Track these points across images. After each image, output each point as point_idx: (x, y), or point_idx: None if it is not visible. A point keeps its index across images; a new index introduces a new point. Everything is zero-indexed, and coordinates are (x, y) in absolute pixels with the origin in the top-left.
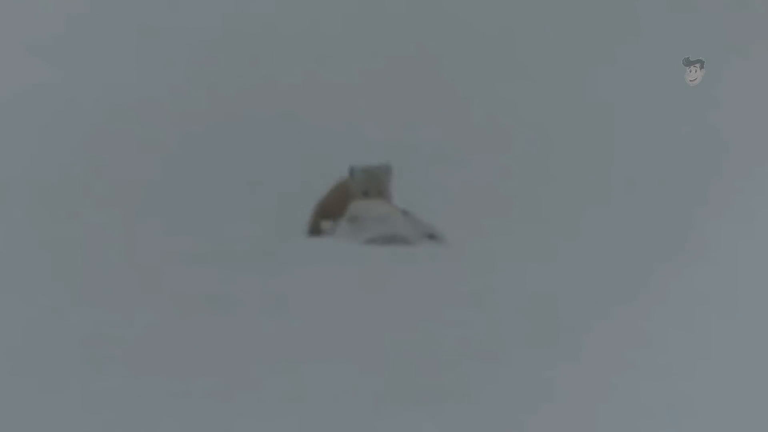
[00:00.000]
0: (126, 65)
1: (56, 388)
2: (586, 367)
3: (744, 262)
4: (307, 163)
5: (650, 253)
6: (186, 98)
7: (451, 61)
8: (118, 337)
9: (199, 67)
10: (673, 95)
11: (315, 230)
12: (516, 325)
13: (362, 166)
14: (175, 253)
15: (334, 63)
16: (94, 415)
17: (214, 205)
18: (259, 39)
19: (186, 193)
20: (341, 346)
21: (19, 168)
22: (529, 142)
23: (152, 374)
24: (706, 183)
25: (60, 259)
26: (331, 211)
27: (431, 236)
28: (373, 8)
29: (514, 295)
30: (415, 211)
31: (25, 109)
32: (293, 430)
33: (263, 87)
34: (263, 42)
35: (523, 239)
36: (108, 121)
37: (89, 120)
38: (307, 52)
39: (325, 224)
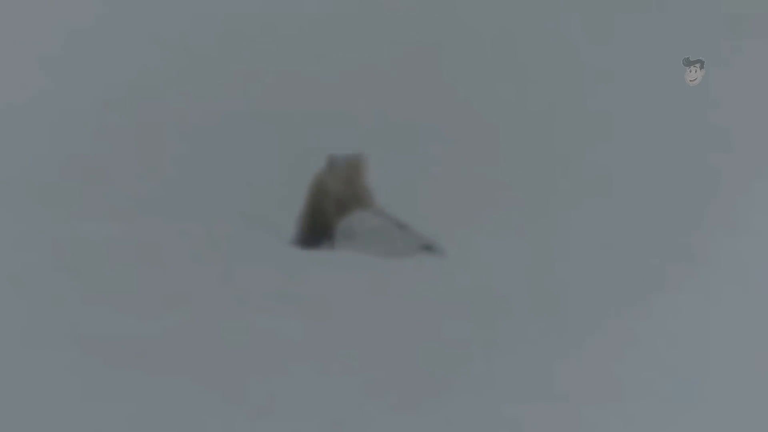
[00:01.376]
0: (123, 66)
1: (60, 388)
2: (588, 367)
3: (747, 260)
4: (304, 163)
5: (652, 250)
6: (185, 97)
7: (449, 59)
8: (118, 336)
9: (198, 66)
10: (673, 93)
11: (307, 241)
12: (516, 326)
13: (339, 155)
14: (172, 252)
15: (333, 62)
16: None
17: (210, 205)
18: (259, 38)
19: (184, 193)
20: (341, 349)
21: (17, 168)
22: (529, 142)
23: (153, 374)
24: (705, 179)
25: (61, 258)
26: (319, 217)
27: (428, 248)
28: (370, 7)
29: (512, 296)
30: (407, 211)
31: (24, 112)
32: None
33: (263, 86)
34: (264, 42)
35: (519, 237)
36: (105, 121)
37: (84, 120)
38: (307, 51)
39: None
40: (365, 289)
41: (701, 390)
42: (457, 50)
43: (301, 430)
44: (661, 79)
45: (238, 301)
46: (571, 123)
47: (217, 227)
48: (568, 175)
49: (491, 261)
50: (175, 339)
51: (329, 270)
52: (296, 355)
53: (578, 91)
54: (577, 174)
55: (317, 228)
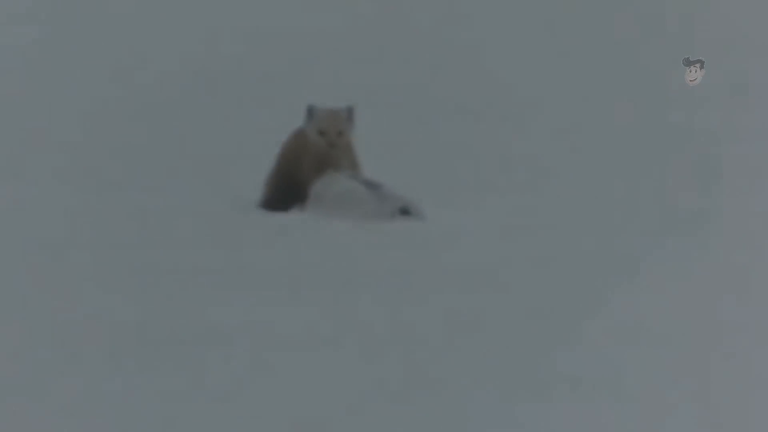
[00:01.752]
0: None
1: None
2: (585, 353)
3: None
4: None
5: (647, 228)
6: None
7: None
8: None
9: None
10: (673, 93)
11: (275, 202)
12: (506, 308)
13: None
14: (149, 234)
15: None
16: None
17: (191, 184)
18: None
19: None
20: (327, 336)
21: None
22: (524, 120)
23: (138, 359)
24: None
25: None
26: (295, 175)
27: (405, 211)
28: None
29: (502, 276)
30: (396, 176)
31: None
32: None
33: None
34: (260, 35)
35: (511, 213)
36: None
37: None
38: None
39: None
40: (343, 270)
41: (706, 368)
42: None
43: (293, 423)
44: (660, 77)
45: (224, 288)
46: (567, 101)
47: (207, 214)
48: (563, 153)
49: (479, 237)
50: (157, 326)
51: (309, 250)
52: (283, 345)
53: (573, 72)
54: (571, 152)
55: (290, 188)
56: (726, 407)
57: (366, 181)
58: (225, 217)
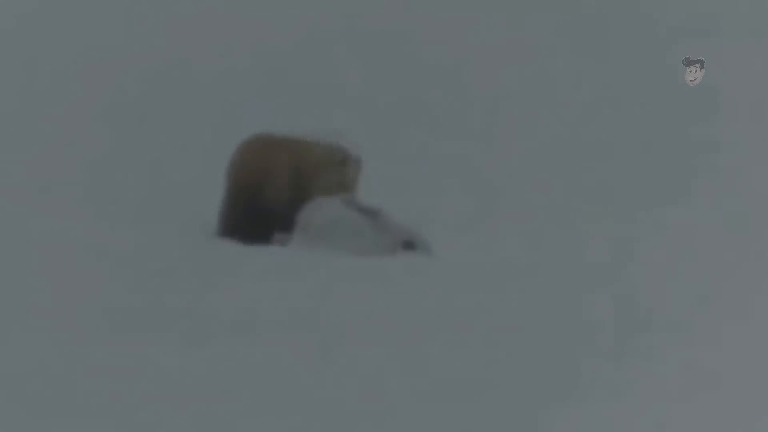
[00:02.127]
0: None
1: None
2: (607, 404)
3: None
4: None
5: (659, 268)
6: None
7: (453, 57)
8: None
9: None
10: (673, 94)
11: (236, 228)
12: (527, 362)
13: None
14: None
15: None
16: None
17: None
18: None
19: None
20: (317, 394)
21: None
22: (527, 139)
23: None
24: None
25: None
26: (255, 192)
27: (408, 245)
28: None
29: (522, 322)
30: (394, 206)
31: None
32: None
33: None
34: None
35: (521, 249)
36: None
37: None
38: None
39: (279, 237)
40: (339, 311)
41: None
42: (462, 47)
43: None
44: (660, 79)
45: (186, 338)
46: (574, 128)
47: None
48: (585, 175)
49: (496, 276)
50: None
51: (293, 292)
52: (264, 406)
53: (576, 86)
54: (592, 173)
55: (253, 211)
56: None
57: (361, 207)
58: (181, 249)
